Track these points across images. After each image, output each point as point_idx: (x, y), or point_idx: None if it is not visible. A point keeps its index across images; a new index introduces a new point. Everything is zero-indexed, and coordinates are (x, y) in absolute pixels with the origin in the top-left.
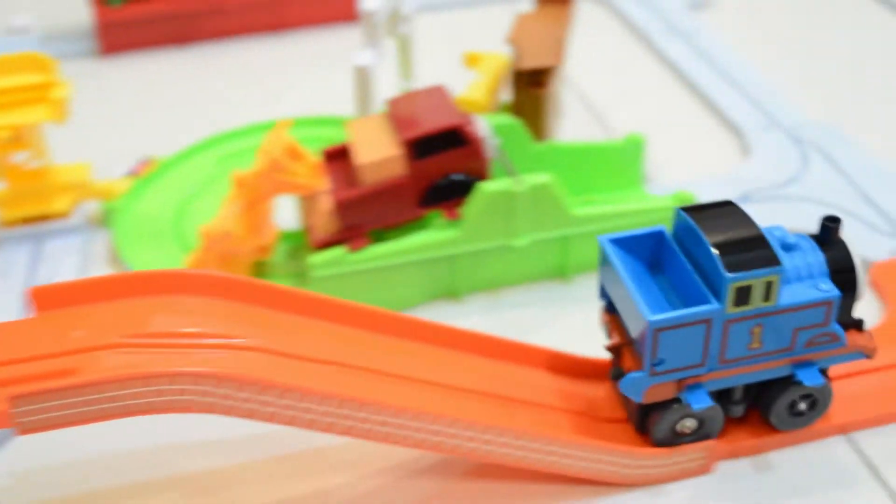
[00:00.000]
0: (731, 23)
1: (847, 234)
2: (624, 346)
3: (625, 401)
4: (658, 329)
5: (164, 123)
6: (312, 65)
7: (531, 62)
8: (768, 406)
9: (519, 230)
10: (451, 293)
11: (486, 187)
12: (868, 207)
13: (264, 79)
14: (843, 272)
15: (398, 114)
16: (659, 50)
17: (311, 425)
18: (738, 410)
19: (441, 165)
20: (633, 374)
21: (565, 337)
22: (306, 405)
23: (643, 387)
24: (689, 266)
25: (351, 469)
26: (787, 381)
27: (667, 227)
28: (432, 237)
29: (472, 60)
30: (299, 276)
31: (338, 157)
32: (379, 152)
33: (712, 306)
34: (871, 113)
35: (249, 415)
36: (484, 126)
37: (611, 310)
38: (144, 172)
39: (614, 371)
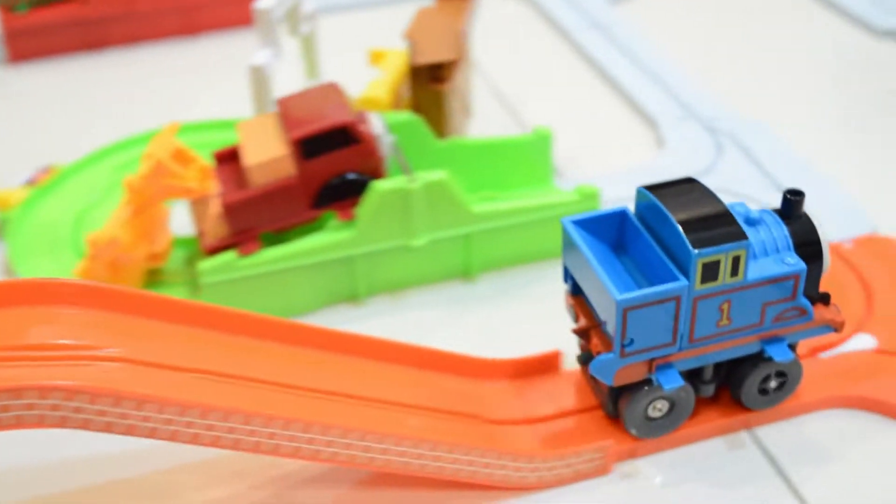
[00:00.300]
0: (650, 15)
1: None
2: (591, 329)
3: (594, 387)
4: (627, 308)
5: (71, 131)
6: (223, 69)
7: (427, 57)
8: (739, 384)
9: (416, 229)
10: (351, 296)
11: (380, 186)
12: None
13: (175, 84)
14: (807, 245)
15: (288, 113)
16: (577, 44)
17: (194, 440)
18: (708, 390)
19: (332, 165)
20: (604, 356)
21: (467, 338)
22: (188, 419)
23: (614, 369)
24: (654, 244)
25: (239, 480)
26: (757, 358)
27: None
28: (326, 239)
29: (376, 58)
30: (194, 284)
31: (229, 159)
32: (267, 153)
33: (680, 283)
34: (786, 103)
35: (129, 431)
36: (378, 123)
37: (575, 292)
38: (43, 181)
39: (583, 355)
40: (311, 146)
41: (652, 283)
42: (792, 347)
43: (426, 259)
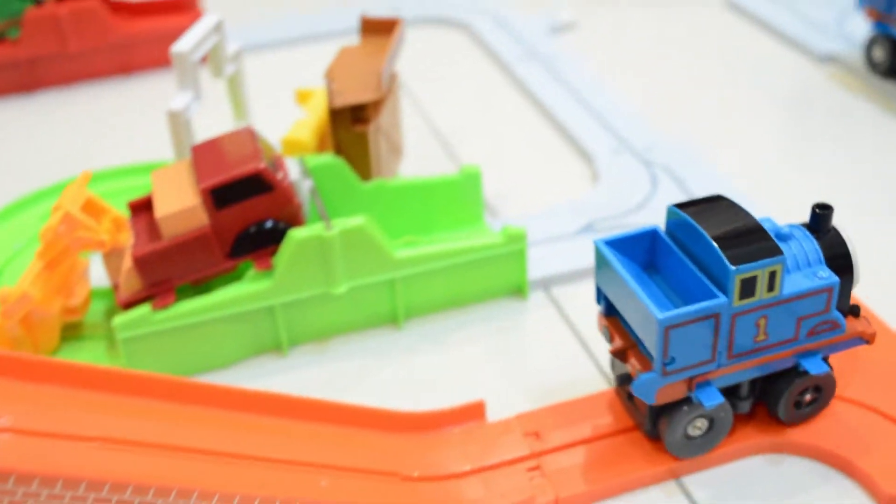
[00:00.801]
0: (590, 45)
1: None
2: (629, 349)
3: (631, 411)
4: (669, 327)
5: (1, 176)
6: (158, 109)
7: (346, 99)
8: (776, 399)
9: (337, 277)
10: (275, 346)
11: (296, 234)
12: None
13: (108, 125)
14: (838, 258)
15: (200, 161)
16: (516, 75)
17: None
18: (745, 406)
19: (246, 214)
20: (645, 376)
21: (394, 388)
22: (80, 493)
23: (655, 388)
24: (688, 262)
25: None
26: (793, 372)
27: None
28: (244, 289)
29: (302, 97)
30: (111, 338)
31: (144, 209)
32: (178, 203)
33: (720, 300)
34: (725, 132)
35: None
36: (295, 169)
37: (609, 313)
38: None
39: (621, 377)
40: (222, 195)
41: (688, 302)
42: (825, 360)
43: (350, 306)
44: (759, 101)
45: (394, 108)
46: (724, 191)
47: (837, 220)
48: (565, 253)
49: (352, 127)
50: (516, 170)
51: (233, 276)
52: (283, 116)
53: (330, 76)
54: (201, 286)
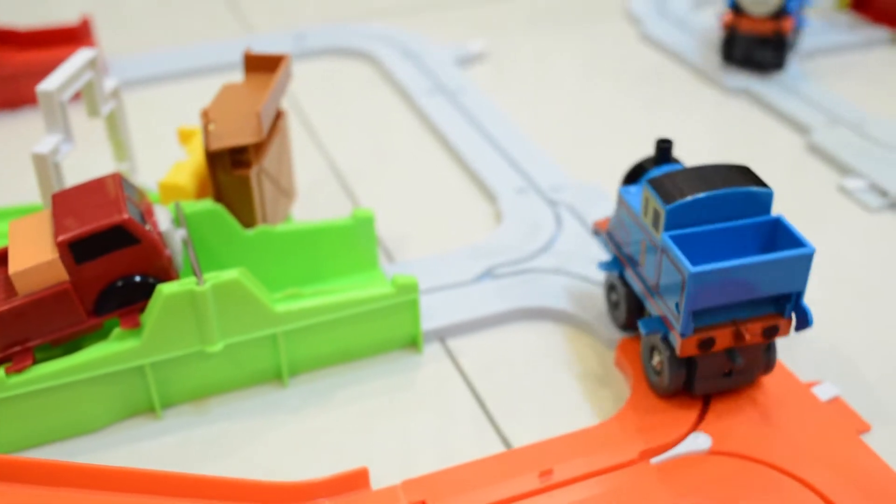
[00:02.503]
0: (498, 79)
1: (597, 304)
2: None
3: (674, 369)
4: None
5: None
6: None
7: (224, 142)
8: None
9: (211, 334)
10: (149, 408)
11: (165, 289)
12: None
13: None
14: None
15: (60, 211)
16: (421, 109)
17: None
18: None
19: (110, 268)
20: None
21: (276, 452)
22: None
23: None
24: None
25: None
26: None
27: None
28: (109, 349)
29: (185, 137)
30: None
31: (2, 262)
32: (34, 258)
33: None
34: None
35: None
36: (165, 218)
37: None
38: None
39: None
40: (82, 249)
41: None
42: None
43: (228, 364)
44: (675, 135)
45: (281, 149)
46: None
47: None
48: (462, 301)
49: (232, 171)
50: (417, 210)
51: (98, 334)
52: (168, 156)
53: (207, 116)
54: (63, 346)
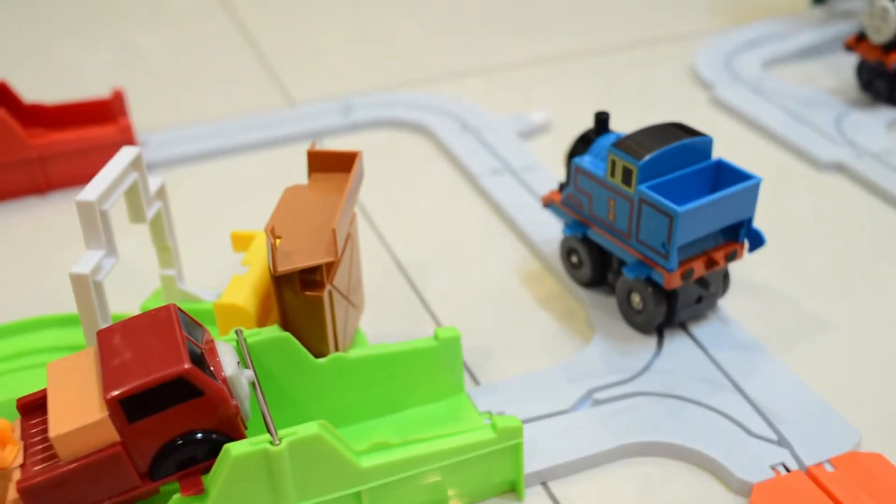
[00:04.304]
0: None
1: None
2: None
3: (656, 303)
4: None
5: None
6: (78, 238)
7: (294, 262)
8: None
9: (288, 497)
10: None
11: (233, 450)
12: None
13: (16, 259)
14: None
15: (108, 355)
16: (488, 191)
17: None
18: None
19: (169, 424)
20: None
21: None
22: None
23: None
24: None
25: None
26: None
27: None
28: None
29: (239, 242)
30: None
31: (37, 409)
32: (78, 416)
33: None
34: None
35: None
36: (231, 359)
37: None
38: None
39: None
40: (136, 406)
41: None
42: None
43: None
44: (772, 218)
45: (352, 256)
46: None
47: None
48: (564, 435)
49: (301, 292)
50: (495, 315)
51: (155, 499)
52: (212, 251)
53: (272, 231)
54: None
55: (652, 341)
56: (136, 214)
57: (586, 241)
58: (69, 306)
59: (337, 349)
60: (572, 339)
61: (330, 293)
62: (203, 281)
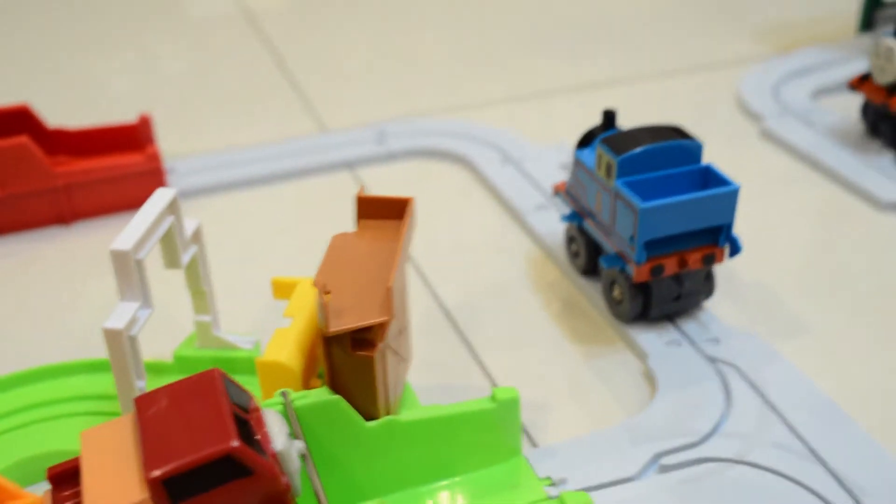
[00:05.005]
0: None
1: None
2: None
3: (632, 296)
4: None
5: None
6: (107, 270)
7: (346, 322)
8: None
9: None
10: None
11: None
12: None
13: (51, 281)
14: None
15: (147, 425)
16: (534, 230)
17: None
18: None
19: None
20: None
21: None
22: None
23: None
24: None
25: None
26: None
27: None
28: None
29: (280, 290)
30: None
31: (70, 479)
32: (116, 495)
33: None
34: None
35: None
36: (280, 429)
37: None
38: None
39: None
40: (180, 486)
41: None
42: None
43: None
44: (828, 259)
45: (401, 307)
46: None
47: None
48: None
49: (353, 352)
50: (550, 367)
51: None
52: (245, 291)
53: (322, 285)
54: None
55: (720, 396)
56: (172, 260)
57: (581, 231)
58: (96, 342)
59: (388, 409)
60: (634, 393)
61: (382, 352)
62: (236, 321)
